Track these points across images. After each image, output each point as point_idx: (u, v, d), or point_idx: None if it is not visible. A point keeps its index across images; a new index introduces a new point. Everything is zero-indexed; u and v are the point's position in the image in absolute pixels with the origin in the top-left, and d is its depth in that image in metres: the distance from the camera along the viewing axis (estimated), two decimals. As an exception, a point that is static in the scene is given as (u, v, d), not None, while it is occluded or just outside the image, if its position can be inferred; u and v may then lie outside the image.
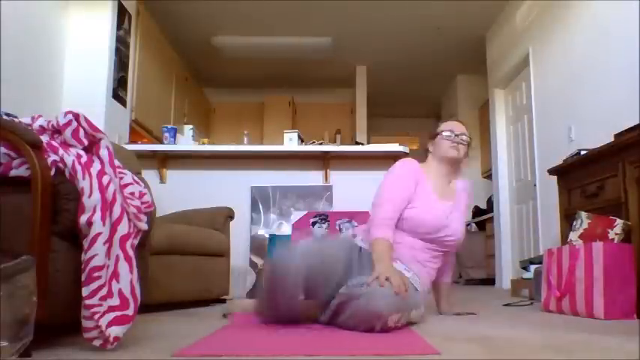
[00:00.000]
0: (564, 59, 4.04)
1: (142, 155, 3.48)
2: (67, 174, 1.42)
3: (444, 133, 2.25)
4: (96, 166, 1.47)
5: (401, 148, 3.96)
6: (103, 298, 1.35)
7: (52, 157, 1.42)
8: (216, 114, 7.57)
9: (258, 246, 3.87)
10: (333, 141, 6.60)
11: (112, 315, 1.35)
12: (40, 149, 1.38)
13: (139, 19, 4.66)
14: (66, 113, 1.53)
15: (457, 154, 2.23)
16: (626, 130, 2.59)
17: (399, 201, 2.09)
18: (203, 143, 4.22)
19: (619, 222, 2.37)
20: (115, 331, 1.33)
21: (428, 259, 2.14)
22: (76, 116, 1.53)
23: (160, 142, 4.46)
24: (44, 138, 1.47)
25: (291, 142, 4.03)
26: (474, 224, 6.66)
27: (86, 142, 1.54)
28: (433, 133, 2.32)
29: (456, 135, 2.24)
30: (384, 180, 2.18)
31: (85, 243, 1.36)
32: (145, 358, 1.26)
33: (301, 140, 4.16)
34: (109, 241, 1.40)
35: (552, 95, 4.27)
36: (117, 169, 1.56)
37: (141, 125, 4.71)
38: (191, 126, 4.32)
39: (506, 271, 5.22)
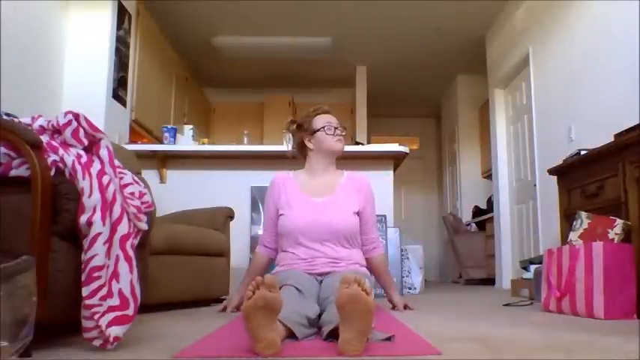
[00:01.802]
0: (564, 59, 4.04)
1: (142, 155, 3.48)
2: (67, 174, 1.42)
3: (325, 128, 2.29)
4: (96, 166, 1.47)
5: (401, 148, 3.95)
6: (103, 298, 1.35)
7: (52, 157, 1.42)
8: (216, 114, 7.56)
9: (258, 246, 3.86)
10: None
11: (112, 315, 1.35)
12: (40, 149, 1.38)
13: (139, 19, 4.66)
14: (66, 113, 1.53)
15: (342, 147, 2.33)
16: (626, 130, 2.59)
17: (270, 219, 2.33)
18: (203, 143, 4.23)
19: (619, 222, 2.37)
20: (114, 331, 1.33)
21: (319, 247, 2.14)
22: (76, 116, 1.53)
23: (160, 142, 4.46)
24: (44, 138, 1.47)
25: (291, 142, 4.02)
26: (474, 224, 6.66)
27: (86, 142, 1.54)
28: (311, 129, 2.31)
29: (335, 128, 2.30)
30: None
31: (85, 243, 1.36)
32: (145, 358, 1.26)
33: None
34: (109, 241, 1.40)
35: (552, 95, 4.26)
36: (117, 169, 1.56)
37: (141, 125, 4.71)
38: (191, 126, 4.32)
39: (506, 271, 5.22)
